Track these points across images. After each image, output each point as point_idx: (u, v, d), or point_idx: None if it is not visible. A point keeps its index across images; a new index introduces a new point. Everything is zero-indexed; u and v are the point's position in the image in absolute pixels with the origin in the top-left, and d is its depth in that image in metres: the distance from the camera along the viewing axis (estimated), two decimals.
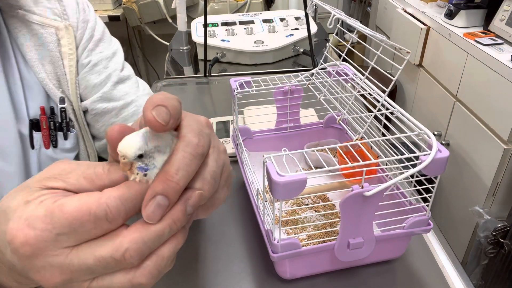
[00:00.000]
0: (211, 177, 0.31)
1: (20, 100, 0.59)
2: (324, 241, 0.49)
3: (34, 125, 0.60)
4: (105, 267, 0.28)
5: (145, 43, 2.58)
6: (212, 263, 0.57)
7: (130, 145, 0.28)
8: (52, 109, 0.63)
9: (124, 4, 1.98)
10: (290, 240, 0.47)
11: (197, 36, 1.27)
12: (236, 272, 0.55)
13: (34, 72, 0.61)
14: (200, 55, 1.28)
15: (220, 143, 0.35)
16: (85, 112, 0.67)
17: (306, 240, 0.57)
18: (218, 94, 1.11)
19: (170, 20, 1.97)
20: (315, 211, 0.63)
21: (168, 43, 1.48)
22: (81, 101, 0.66)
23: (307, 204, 0.64)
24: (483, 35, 1.38)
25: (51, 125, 0.62)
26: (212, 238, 0.61)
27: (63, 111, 0.63)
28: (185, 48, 1.39)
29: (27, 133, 0.60)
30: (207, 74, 1.18)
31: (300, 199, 0.65)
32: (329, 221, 0.60)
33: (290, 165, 0.43)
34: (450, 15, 1.50)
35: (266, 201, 0.51)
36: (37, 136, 0.61)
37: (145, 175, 0.29)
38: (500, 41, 1.33)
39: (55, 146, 0.63)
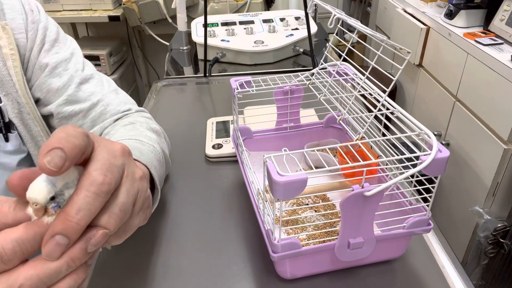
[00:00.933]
0: (119, 210, 0.32)
1: None
2: (324, 241, 0.49)
3: None
4: None
5: (145, 43, 2.58)
6: (212, 263, 0.57)
7: (39, 192, 0.29)
8: None
9: (124, 4, 1.98)
10: (290, 240, 0.47)
11: (197, 36, 1.27)
12: (236, 272, 0.55)
13: None
14: (200, 55, 1.28)
15: (136, 169, 0.36)
16: (49, 116, 0.65)
17: (306, 240, 0.57)
18: (218, 94, 1.11)
19: (170, 20, 1.97)
20: (315, 211, 0.63)
21: (168, 43, 1.48)
22: (45, 105, 0.64)
23: (307, 204, 0.64)
24: (483, 35, 1.38)
25: None
26: (212, 238, 0.61)
27: None
28: (185, 48, 1.39)
29: None
30: (207, 74, 1.18)
31: (300, 199, 0.65)
32: (329, 221, 0.60)
33: (291, 165, 0.43)
34: (450, 15, 1.50)
35: (266, 201, 0.51)
36: None
37: (59, 207, 0.30)
38: (500, 41, 1.33)
39: None
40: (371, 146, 0.61)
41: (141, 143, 0.56)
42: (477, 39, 1.35)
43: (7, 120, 0.60)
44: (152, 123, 0.67)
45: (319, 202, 0.65)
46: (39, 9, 0.66)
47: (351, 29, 2.31)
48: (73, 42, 0.70)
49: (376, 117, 0.56)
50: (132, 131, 0.60)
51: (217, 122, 0.87)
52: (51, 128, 0.67)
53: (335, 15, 0.60)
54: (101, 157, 0.32)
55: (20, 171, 0.30)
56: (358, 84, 0.60)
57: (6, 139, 0.60)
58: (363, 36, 2.25)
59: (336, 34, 0.65)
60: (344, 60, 0.66)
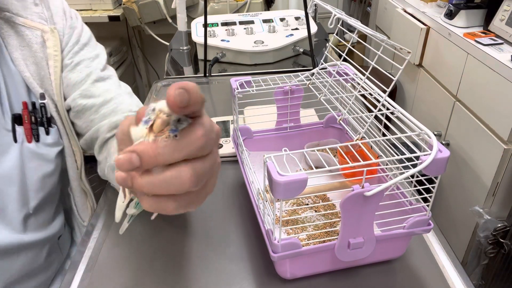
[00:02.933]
0: (210, 163, 0.33)
1: (4, 95, 0.62)
2: (324, 241, 0.49)
3: (16, 119, 0.63)
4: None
5: (145, 43, 2.58)
6: (213, 263, 0.57)
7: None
8: (34, 104, 0.65)
9: (124, 4, 1.98)
10: (291, 240, 0.47)
11: (197, 36, 1.27)
12: (236, 272, 0.55)
13: (19, 71, 0.64)
14: (200, 55, 1.28)
15: (218, 155, 0.36)
16: (68, 110, 0.70)
17: (306, 240, 0.57)
18: (218, 94, 1.11)
19: (170, 20, 1.97)
20: (316, 211, 0.63)
21: (168, 43, 1.48)
22: (64, 99, 0.69)
23: (308, 204, 0.64)
24: (483, 35, 1.38)
25: (33, 119, 0.64)
26: (212, 238, 0.61)
27: (43, 106, 0.65)
28: (185, 48, 1.39)
29: (10, 127, 0.62)
30: (207, 74, 1.18)
31: (301, 199, 0.65)
32: (329, 221, 0.60)
33: (291, 165, 0.43)
34: (450, 15, 1.50)
35: (266, 201, 0.51)
36: (19, 130, 0.63)
37: (176, 136, 0.30)
38: (500, 41, 1.33)
39: (37, 140, 0.65)
40: (371, 146, 0.61)
41: None
42: (477, 39, 1.35)
43: (49, 115, 0.66)
44: None
45: (319, 202, 0.65)
46: (78, 17, 0.73)
47: (351, 29, 2.31)
48: (102, 49, 0.75)
49: (376, 117, 0.56)
50: None
51: (217, 122, 0.87)
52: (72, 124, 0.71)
53: (335, 15, 0.60)
54: (207, 122, 0.32)
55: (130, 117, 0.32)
56: (358, 84, 0.60)
57: (47, 133, 0.66)
58: (363, 36, 2.25)
59: (336, 34, 0.65)
60: (344, 60, 0.66)
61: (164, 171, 0.30)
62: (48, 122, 0.66)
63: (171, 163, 0.30)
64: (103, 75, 0.71)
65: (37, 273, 0.69)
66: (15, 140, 0.62)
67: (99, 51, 0.74)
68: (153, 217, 0.36)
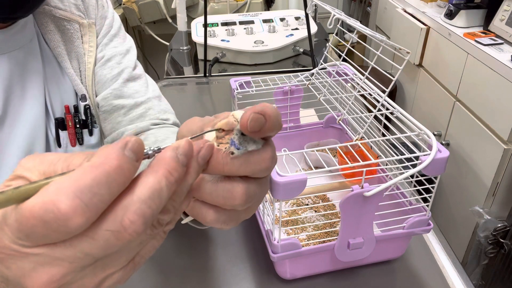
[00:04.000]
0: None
1: (47, 98, 0.59)
2: (324, 241, 0.49)
3: (59, 124, 0.60)
4: None
5: (145, 43, 2.58)
6: (212, 263, 0.57)
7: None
8: (75, 107, 0.63)
9: (124, 4, 1.98)
10: (290, 240, 0.47)
11: (197, 36, 1.27)
12: (236, 272, 0.55)
13: (64, 68, 0.61)
14: (200, 55, 1.28)
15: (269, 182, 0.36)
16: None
17: (306, 240, 0.57)
18: (218, 94, 1.11)
19: (170, 20, 1.97)
20: (315, 211, 0.63)
21: (168, 43, 1.48)
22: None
23: (307, 204, 0.64)
24: (483, 35, 1.38)
25: (76, 123, 0.62)
26: (212, 239, 0.61)
27: (88, 107, 0.63)
28: (185, 48, 1.39)
29: (54, 132, 0.60)
30: (207, 74, 1.18)
31: (300, 199, 0.65)
32: (329, 221, 0.60)
33: (290, 165, 0.43)
34: (450, 15, 1.50)
35: (266, 201, 0.51)
36: (63, 134, 0.61)
37: (233, 153, 0.28)
38: (500, 41, 1.33)
39: (81, 143, 0.63)
40: (370, 146, 0.61)
41: None
42: (477, 39, 1.35)
43: (92, 115, 0.64)
44: None
45: (319, 202, 0.65)
46: (109, 4, 0.69)
47: (351, 29, 2.31)
48: (131, 41, 0.72)
49: (375, 117, 0.56)
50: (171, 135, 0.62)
51: None
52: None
53: (334, 15, 0.60)
54: (274, 145, 0.31)
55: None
56: (358, 84, 0.60)
57: (91, 133, 0.64)
58: (363, 36, 2.25)
59: (336, 34, 0.65)
60: (344, 60, 0.66)
61: (220, 180, 0.29)
62: (92, 123, 0.64)
63: (230, 175, 0.29)
64: (134, 74, 0.68)
65: None
66: (59, 145, 0.60)
67: (130, 45, 0.70)
68: (184, 221, 0.35)
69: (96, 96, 0.66)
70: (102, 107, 0.66)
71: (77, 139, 0.62)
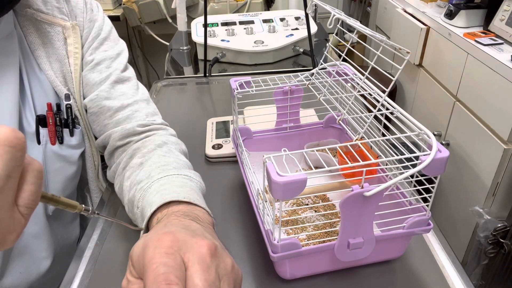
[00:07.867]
0: None
1: (28, 96, 0.60)
2: (324, 241, 0.49)
3: (41, 121, 0.61)
4: None
5: (145, 43, 2.58)
6: None
7: None
8: (58, 105, 0.64)
9: (124, 4, 1.98)
10: (290, 240, 0.47)
11: (197, 36, 1.27)
12: None
13: (42, 70, 0.62)
14: (200, 55, 1.28)
15: (226, 259, 0.39)
16: (85, 110, 0.68)
17: (306, 240, 0.57)
18: (218, 94, 1.11)
19: (170, 20, 1.97)
20: (315, 211, 0.63)
21: (168, 43, 1.48)
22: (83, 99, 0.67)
23: (307, 204, 0.64)
24: (483, 35, 1.37)
25: (57, 121, 0.63)
26: None
27: (69, 107, 0.64)
28: (185, 48, 1.39)
29: (33, 128, 0.61)
30: (207, 74, 1.18)
31: (300, 199, 0.65)
32: (329, 221, 0.60)
33: (290, 165, 0.43)
34: (450, 15, 1.50)
35: (266, 201, 0.51)
36: (43, 131, 0.62)
37: None
38: (500, 41, 1.33)
39: (61, 142, 0.64)
40: (370, 146, 0.61)
41: (189, 179, 0.56)
42: (477, 39, 1.35)
43: (74, 116, 0.65)
44: (181, 144, 0.67)
45: (319, 202, 0.65)
46: (99, 8, 0.70)
47: (351, 29, 2.31)
48: (123, 44, 0.72)
49: (375, 117, 0.56)
50: (169, 156, 0.60)
51: (217, 122, 0.87)
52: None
53: (334, 15, 0.60)
54: (199, 278, 0.34)
55: None
56: (358, 84, 0.60)
57: (72, 134, 0.65)
58: (363, 36, 2.25)
59: (336, 34, 0.65)
60: (344, 60, 0.66)
61: None
62: (73, 123, 0.65)
63: None
64: (123, 76, 0.68)
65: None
66: (39, 142, 0.61)
67: (121, 48, 0.71)
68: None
69: (84, 99, 0.66)
70: (90, 109, 0.66)
71: (57, 137, 0.63)
